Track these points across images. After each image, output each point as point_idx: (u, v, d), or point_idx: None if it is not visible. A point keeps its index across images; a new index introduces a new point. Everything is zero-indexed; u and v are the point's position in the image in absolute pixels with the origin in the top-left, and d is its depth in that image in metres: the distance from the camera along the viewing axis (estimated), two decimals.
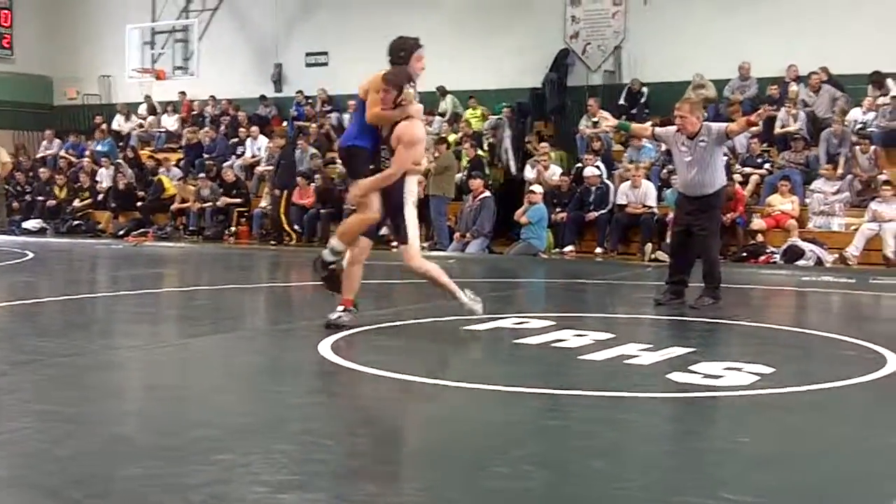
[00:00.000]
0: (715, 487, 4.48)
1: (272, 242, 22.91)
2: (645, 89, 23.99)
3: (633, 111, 23.43)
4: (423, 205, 21.78)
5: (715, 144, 11.34)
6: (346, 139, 9.34)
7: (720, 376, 7.05)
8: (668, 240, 18.84)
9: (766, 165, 20.74)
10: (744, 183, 20.18)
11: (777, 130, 21.45)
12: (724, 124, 12.43)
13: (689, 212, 11.51)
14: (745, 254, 18.74)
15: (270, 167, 25.05)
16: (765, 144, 21.28)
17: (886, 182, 18.81)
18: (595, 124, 23.11)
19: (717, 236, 12.29)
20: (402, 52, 9.59)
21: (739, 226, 19.10)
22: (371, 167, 9.01)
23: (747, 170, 20.66)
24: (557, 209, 20.59)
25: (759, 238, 18.96)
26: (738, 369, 7.30)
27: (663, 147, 21.14)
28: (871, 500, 4.26)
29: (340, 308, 9.26)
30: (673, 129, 11.72)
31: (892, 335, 9.92)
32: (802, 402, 6.44)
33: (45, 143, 31.28)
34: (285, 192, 23.02)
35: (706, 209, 11.47)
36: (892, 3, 22.01)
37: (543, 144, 22.73)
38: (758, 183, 20.39)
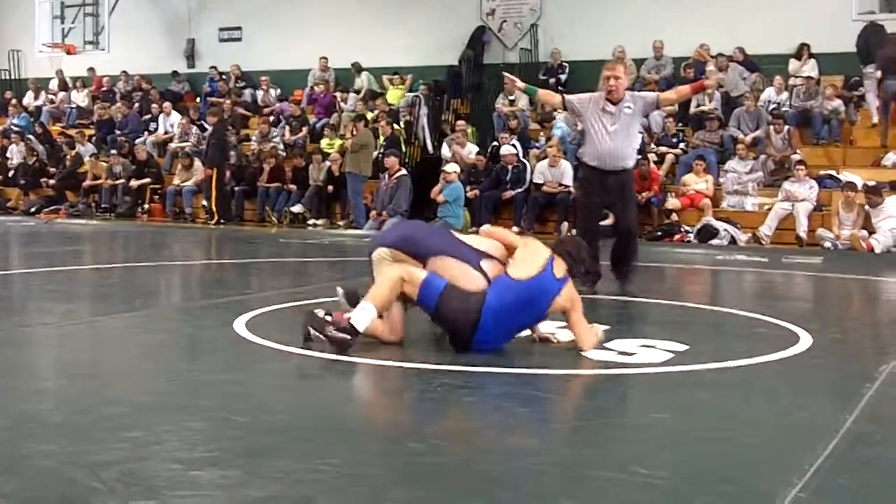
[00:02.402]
0: (627, 463, 4.50)
1: (214, 222, 22.66)
2: (566, 64, 24.07)
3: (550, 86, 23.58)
4: (339, 183, 21.83)
5: (640, 114, 10.80)
6: None
7: (634, 353, 7.10)
8: (579, 220, 18.97)
9: (681, 145, 20.94)
10: (658, 162, 20.38)
11: (692, 110, 21.65)
12: (653, 93, 12.50)
13: (605, 188, 10.59)
14: (659, 233, 18.93)
15: (185, 143, 24.86)
16: (680, 124, 21.45)
17: (800, 162, 19.03)
18: (511, 102, 23.18)
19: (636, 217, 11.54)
20: None
21: (654, 205, 19.29)
22: None
23: (662, 149, 20.86)
24: (472, 187, 20.62)
25: (674, 217, 19.18)
26: (653, 346, 7.35)
27: (579, 125, 21.31)
28: (780, 476, 4.29)
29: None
30: (588, 96, 10.87)
31: (804, 313, 10.10)
32: (715, 379, 6.49)
33: None
34: (215, 170, 22.74)
35: (624, 184, 10.77)
36: None
37: (461, 122, 22.76)
38: (672, 162, 20.59)
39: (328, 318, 6.91)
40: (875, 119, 20.37)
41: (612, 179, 10.57)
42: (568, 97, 11.11)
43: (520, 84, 11.12)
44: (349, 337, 6.81)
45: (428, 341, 7.29)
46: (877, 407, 5.68)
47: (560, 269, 7.05)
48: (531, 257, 7.07)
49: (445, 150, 22.12)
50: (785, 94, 21.32)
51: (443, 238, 7.61)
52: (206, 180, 22.96)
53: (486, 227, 8.02)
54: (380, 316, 7.05)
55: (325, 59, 26.62)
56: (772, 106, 21.12)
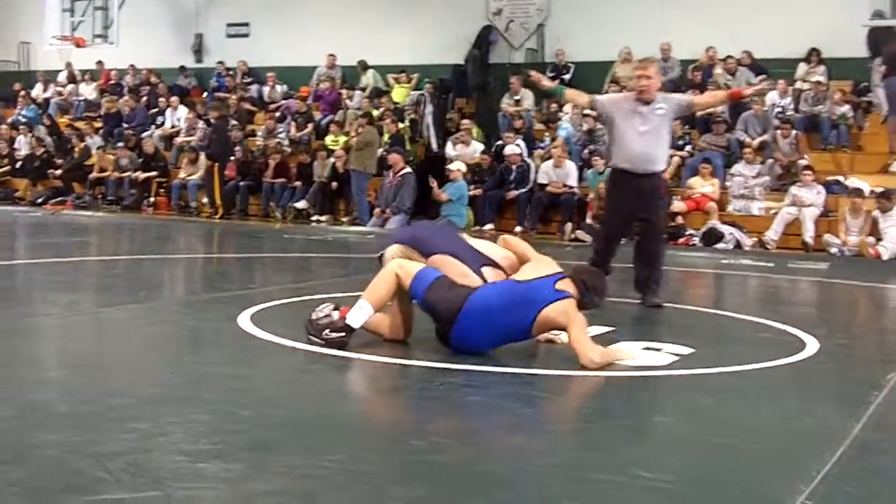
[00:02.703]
0: (629, 466, 4.48)
1: (219, 216, 22.65)
2: (571, 65, 24.06)
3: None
4: (343, 179, 21.83)
5: (671, 116, 10.29)
6: None
7: (638, 356, 7.08)
8: (591, 221, 18.97)
9: (688, 148, 20.90)
10: None
11: (699, 113, 21.58)
12: (686, 95, 12.13)
13: (636, 192, 10.00)
14: (664, 235, 18.85)
15: (191, 138, 24.88)
16: (686, 127, 21.41)
17: (807, 167, 19.01)
18: (517, 102, 23.18)
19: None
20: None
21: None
22: None
23: (668, 151, 20.78)
24: (476, 186, 20.62)
25: (679, 220, 19.10)
26: (657, 350, 7.34)
27: (584, 126, 21.32)
28: (787, 483, 4.28)
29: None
30: (618, 96, 10.64)
31: (811, 319, 10.08)
32: (720, 384, 6.48)
33: None
34: (216, 164, 22.73)
35: (655, 189, 10.34)
36: None
37: (465, 121, 22.75)
38: (679, 165, 20.53)
39: (335, 313, 6.91)
40: (884, 111, 20.36)
41: (643, 183, 10.01)
42: (597, 97, 10.78)
43: (547, 83, 10.64)
44: (344, 335, 6.82)
45: (431, 339, 7.27)
46: (884, 415, 5.66)
47: (566, 286, 6.83)
48: (539, 266, 7.01)
49: (450, 149, 22.10)
50: (789, 98, 21.28)
51: (449, 239, 7.62)
52: (206, 175, 22.94)
53: (507, 237, 7.81)
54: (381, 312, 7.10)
55: (333, 56, 26.60)
56: (776, 110, 21.08)
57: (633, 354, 7.00)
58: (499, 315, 6.67)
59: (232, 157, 23.34)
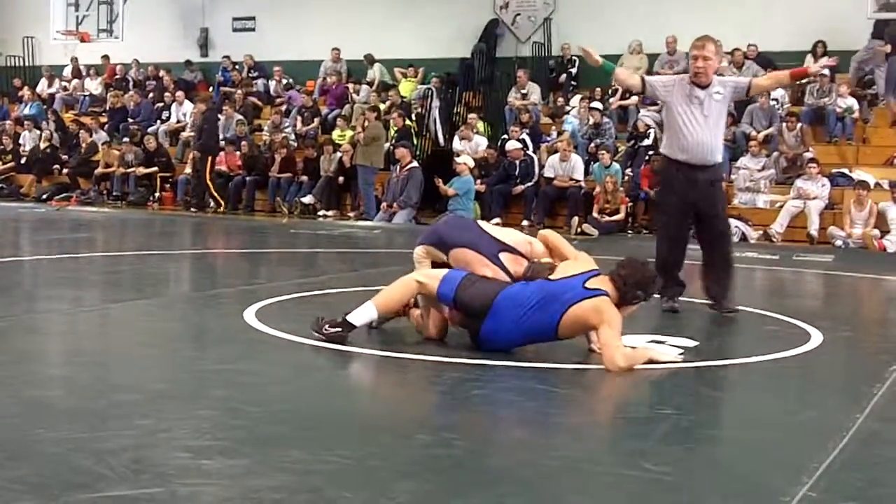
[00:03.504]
0: (634, 458, 4.50)
1: (193, 210, 22.69)
2: (576, 59, 24.02)
3: (561, 80, 23.69)
4: (350, 174, 21.82)
5: (729, 101, 9.25)
6: None
7: (678, 356, 7.07)
8: (597, 215, 18.98)
9: None
10: None
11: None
12: (744, 78, 10.99)
13: (694, 186, 9.07)
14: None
15: (193, 133, 24.90)
16: None
17: (812, 160, 18.99)
18: (523, 96, 23.13)
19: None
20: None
21: None
22: None
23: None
24: (481, 181, 20.61)
25: None
26: (662, 342, 7.34)
27: (591, 120, 21.30)
28: (790, 474, 4.28)
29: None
30: (672, 78, 9.53)
31: (815, 311, 10.08)
32: (724, 376, 6.50)
33: None
34: (209, 158, 22.76)
35: (714, 181, 9.34)
36: None
37: (472, 115, 22.74)
38: None
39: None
40: (882, 92, 20.35)
41: (701, 176, 9.07)
42: (649, 79, 9.56)
43: (598, 58, 9.24)
44: (341, 330, 6.85)
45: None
46: (887, 406, 5.66)
47: (600, 283, 6.61)
48: (573, 265, 6.89)
49: (457, 143, 22.08)
50: (782, 91, 21.20)
51: (466, 231, 7.61)
52: (196, 170, 22.94)
53: (546, 232, 7.54)
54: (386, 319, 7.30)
55: (338, 50, 26.58)
56: (771, 101, 21.02)
57: (670, 356, 6.76)
58: (528, 313, 6.59)
59: (223, 150, 23.35)
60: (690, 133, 8.94)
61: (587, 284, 6.59)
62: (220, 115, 24.17)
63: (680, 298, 9.37)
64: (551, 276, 6.82)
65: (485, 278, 6.94)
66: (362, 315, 6.91)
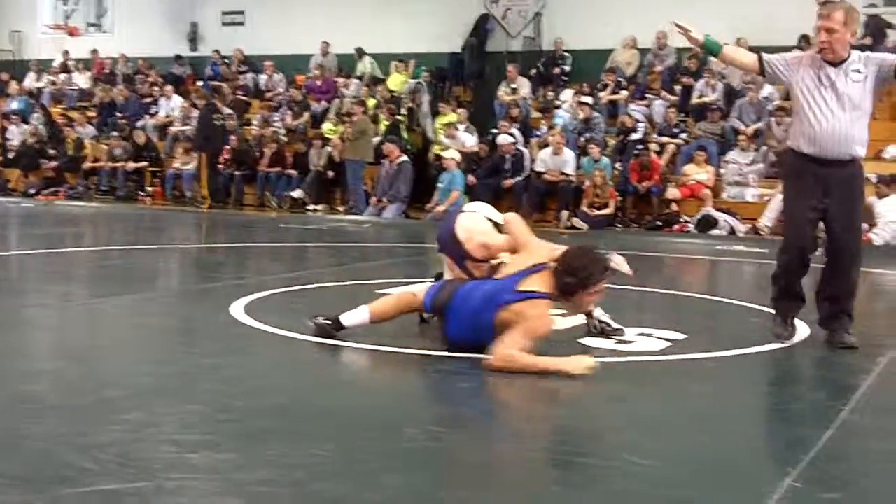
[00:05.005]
0: (618, 450, 4.52)
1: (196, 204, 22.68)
2: (568, 55, 24.02)
3: (553, 74, 23.69)
4: (340, 168, 21.80)
5: (872, 81, 7.32)
6: None
7: (632, 342, 7.12)
8: (586, 209, 18.98)
9: (683, 135, 20.88)
10: (660, 152, 20.32)
11: (694, 101, 21.59)
12: (892, 56, 7.78)
13: (825, 185, 7.41)
14: (659, 222, 18.90)
15: (186, 127, 24.85)
16: (682, 114, 21.40)
17: None
18: (513, 91, 23.11)
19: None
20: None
21: (654, 194, 19.26)
22: None
23: (664, 139, 20.80)
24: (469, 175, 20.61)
25: (674, 207, 19.12)
26: (650, 335, 7.36)
27: (581, 115, 21.31)
28: (775, 465, 4.31)
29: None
30: (798, 55, 7.85)
31: None
32: (711, 369, 6.50)
33: None
34: (205, 154, 22.75)
35: (850, 181, 7.55)
36: None
37: (461, 111, 22.71)
38: (674, 152, 20.52)
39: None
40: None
41: (834, 173, 7.41)
42: (768, 57, 7.74)
43: (698, 37, 7.64)
44: (330, 323, 6.86)
45: (424, 329, 7.30)
46: (872, 398, 5.69)
47: (534, 283, 6.37)
48: (522, 259, 6.73)
49: (443, 139, 22.05)
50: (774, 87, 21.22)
51: (442, 235, 7.59)
52: (200, 166, 22.96)
53: (509, 217, 7.16)
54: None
55: (327, 44, 26.53)
56: (761, 96, 21.01)
57: (580, 368, 6.08)
58: (474, 313, 6.50)
59: (226, 146, 23.31)
60: (819, 121, 7.33)
61: (520, 286, 6.39)
62: (215, 113, 24.10)
63: (670, 292, 9.36)
64: (497, 273, 6.84)
65: (449, 281, 7.04)
66: (354, 318, 6.92)
